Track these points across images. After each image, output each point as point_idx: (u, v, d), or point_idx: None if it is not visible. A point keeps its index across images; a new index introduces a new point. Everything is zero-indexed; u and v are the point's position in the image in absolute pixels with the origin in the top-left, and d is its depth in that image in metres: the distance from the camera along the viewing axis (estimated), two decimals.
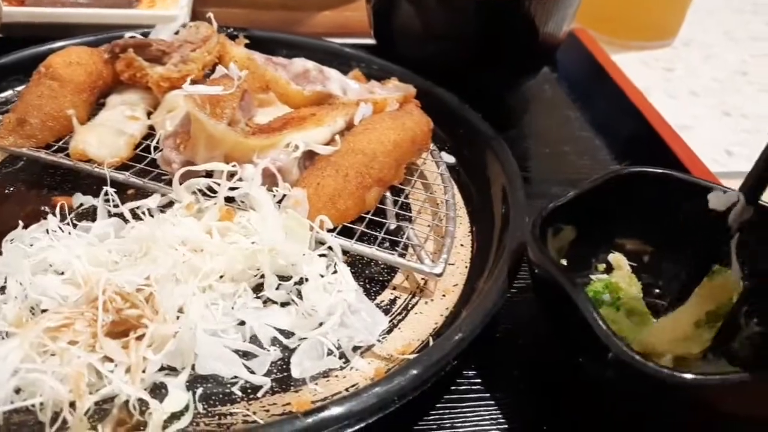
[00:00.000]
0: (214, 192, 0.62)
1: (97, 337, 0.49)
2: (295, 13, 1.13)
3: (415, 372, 0.48)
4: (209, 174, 0.63)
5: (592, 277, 0.62)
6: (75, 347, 0.47)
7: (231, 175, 0.61)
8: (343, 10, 1.16)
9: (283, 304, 0.58)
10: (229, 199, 0.62)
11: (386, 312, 0.59)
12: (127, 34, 0.77)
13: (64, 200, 0.66)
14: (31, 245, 0.57)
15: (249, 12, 1.12)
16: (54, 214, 0.62)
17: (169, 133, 0.65)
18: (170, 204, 0.63)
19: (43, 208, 0.66)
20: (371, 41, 1.10)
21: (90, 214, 0.64)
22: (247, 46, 0.81)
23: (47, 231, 0.58)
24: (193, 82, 0.70)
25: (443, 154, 0.77)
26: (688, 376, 0.44)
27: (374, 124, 0.68)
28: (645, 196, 0.62)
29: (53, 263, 0.55)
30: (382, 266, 0.64)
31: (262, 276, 0.58)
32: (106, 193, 0.62)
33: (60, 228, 0.58)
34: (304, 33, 1.13)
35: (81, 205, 0.66)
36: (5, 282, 0.55)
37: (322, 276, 0.57)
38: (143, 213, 0.61)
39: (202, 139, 0.62)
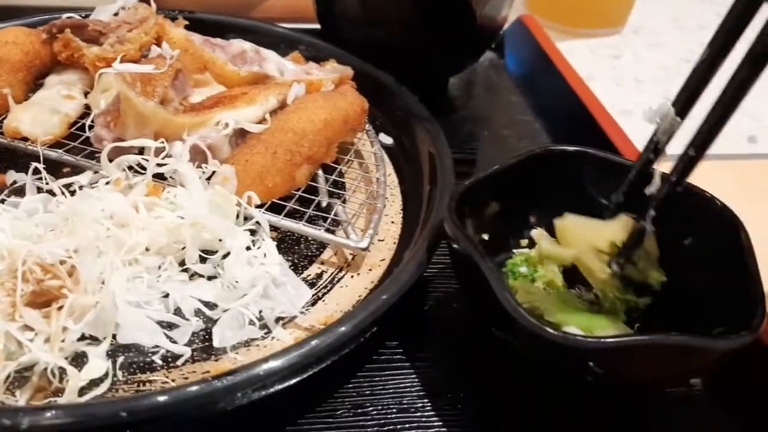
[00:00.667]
0: (145, 169, 0.63)
1: (17, 307, 0.50)
2: None
3: (331, 337, 0.49)
4: (141, 152, 0.64)
5: (515, 251, 0.64)
6: None
7: (160, 152, 0.62)
8: None
9: (210, 278, 0.59)
10: (160, 177, 0.63)
11: (312, 285, 0.61)
12: (65, 15, 0.78)
13: None
14: None
15: None
16: None
17: (101, 111, 0.66)
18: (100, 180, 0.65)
19: None
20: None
21: (23, 192, 0.65)
22: (192, 29, 0.81)
23: None
24: (128, 61, 0.71)
25: (381, 135, 0.78)
26: (586, 339, 0.47)
27: (305, 104, 0.69)
28: (566, 174, 0.64)
29: None
30: (311, 242, 0.65)
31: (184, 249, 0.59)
32: (36, 170, 0.63)
33: None
34: (255, 18, 1.13)
35: (14, 182, 0.66)
36: None
37: (248, 249, 0.59)
38: (75, 190, 0.62)
39: (131, 117, 0.63)
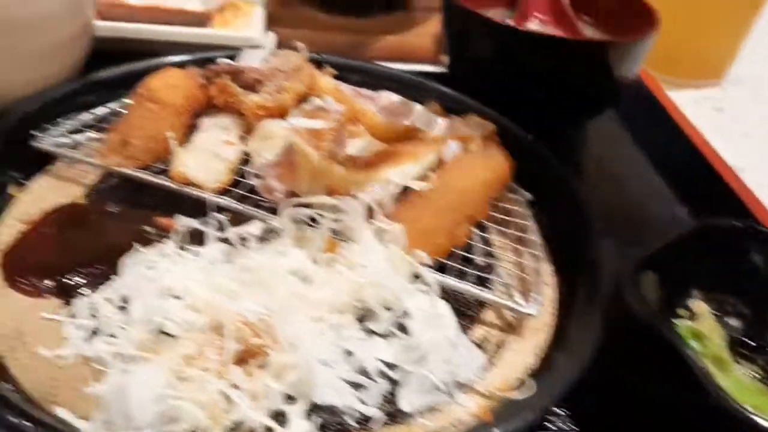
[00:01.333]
0: (313, 222, 0.65)
1: (226, 365, 0.51)
2: (358, 36, 1.16)
3: (529, 414, 0.50)
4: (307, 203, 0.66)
5: (676, 322, 0.65)
6: (208, 374, 0.50)
7: (335, 208, 0.64)
8: (405, 35, 1.19)
9: (383, 336, 0.60)
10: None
11: (479, 347, 0.62)
12: (223, 61, 0.80)
13: (166, 221, 0.69)
14: (149, 267, 0.60)
15: (314, 33, 1.14)
16: (160, 236, 0.66)
17: (271, 162, 0.68)
18: (269, 231, 0.67)
19: (145, 227, 0.68)
20: (434, 68, 1.13)
21: (192, 236, 0.67)
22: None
23: (163, 254, 0.61)
24: (285, 111, 0.74)
25: (520, 190, 0.79)
26: None
27: (464, 162, 0.71)
28: (726, 247, 0.65)
29: (172, 288, 0.57)
30: (470, 301, 0.66)
31: (363, 307, 0.61)
32: (214, 218, 0.65)
33: (176, 252, 0.61)
34: (366, 56, 1.15)
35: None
36: (123, 301, 0.58)
37: (423, 310, 0.60)
38: (245, 239, 0.64)
39: (306, 172, 0.65)
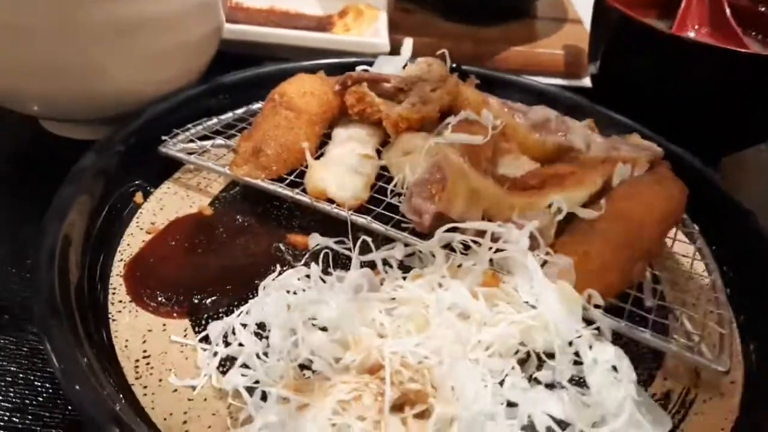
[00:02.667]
0: (466, 249, 0.57)
1: (384, 413, 0.44)
2: (486, 47, 1.09)
3: None
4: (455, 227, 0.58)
5: None
6: (366, 424, 0.43)
7: (495, 236, 0.56)
8: (534, 47, 1.11)
9: (549, 386, 0.52)
10: None
11: (661, 407, 0.53)
12: (360, 68, 0.74)
13: (300, 239, 0.63)
14: (288, 291, 0.53)
15: (440, 42, 1.08)
16: (294, 255, 0.61)
17: (418, 180, 0.61)
18: (411, 254, 0.60)
19: (277, 244, 0.63)
20: (566, 82, 1.05)
21: (326, 256, 0.60)
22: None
23: (305, 278, 0.54)
24: (427, 123, 0.67)
25: (688, 220, 0.69)
26: None
27: (637, 189, 0.62)
28: None
29: (317, 318, 0.51)
30: (643, 349, 0.57)
31: (526, 352, 0.53)
32: (355, 239, 0.58)
33: (319, 277, 0.54)
34: (494, 68, 1.08)
35: (317, 245, 0.62)
36: (261, 329, 0.52)
37: (600, 361, 0.51)
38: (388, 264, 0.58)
39: (462, 193, 0.58)
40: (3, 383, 0.51)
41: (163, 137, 0.69)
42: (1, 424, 0.48)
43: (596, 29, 0.87)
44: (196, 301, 0.56)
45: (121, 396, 0.47)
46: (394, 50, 0.91)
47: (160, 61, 0.70)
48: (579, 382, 0.51)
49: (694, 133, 0.78)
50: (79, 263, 0.54)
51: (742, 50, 0.75)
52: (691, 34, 0.88)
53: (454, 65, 0.79)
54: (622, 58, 0.83)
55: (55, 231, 0.54)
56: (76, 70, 0.66)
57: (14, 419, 0.49)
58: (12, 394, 0.50)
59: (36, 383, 0.51)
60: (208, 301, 0.56)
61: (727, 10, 0.87)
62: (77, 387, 0.43)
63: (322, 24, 1.04)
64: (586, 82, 1.09)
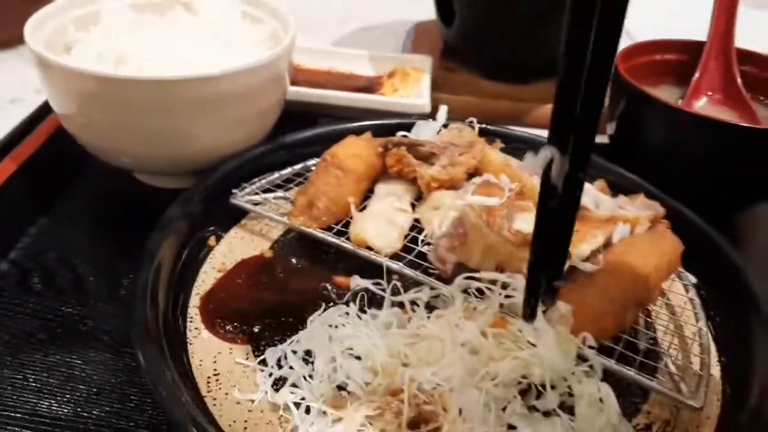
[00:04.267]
0: (480, 293, 0.68)
1: (402, 428, 0.55)
2: (522, 105, 1.19)
3: None
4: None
5: None
6: None
7: (505, 284, 0.67)
8: None
9: (546, 414, 0.62)
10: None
11: None
12: (400, 133, 0.86)
13: (344, 280, 0.75)
14: (331, 326, 0.65)
15: (478, 101, 1.19)
16: (338, 293, 0.73)
17: (444, 233, 0.72)
18: (436, 296, 0.71)
19: (324, 284, 0.75)
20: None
21: (363, 296, 0.72)
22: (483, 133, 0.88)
23: (346, 315, 0.66)
24: (456, 183, 0.78)
25: (684, 272, 0.78)
26: None
27: (634, 246, 0.72)
28: None
29: (354, 348, 0.62)
30: (633, 386, 0.66)
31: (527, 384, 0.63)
32: (389, 281, 0.70)
33: (357, 314, 0.66)
34: (528, 123, 1.19)
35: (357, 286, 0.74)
36: (307, 355, 0.64)
37: (588, 394, 0.61)
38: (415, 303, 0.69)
39: (479, 246, 0.69)
40: (105, 391, 0.64)
41: (233, 190, 0.82)
42: (104, 423, 0.61)
43: (614, 94, 0.97)
44: (256, 330, 0.69)
45: (196, 404, 0.59)
46: (436, 108, 1.03)
47: (235, 127, 0.83)
48: (571, 411, 0.61)
49: (702, 192, 0.87)
50: (165, 297, 0.67)
51: (740, 124, 0.85)
52: (704, 100, 0.97)
53: (483, 126, 0.90)
54: (635, 125, 0.92)
55: (147, 270, 0.67)
56: (166, 136, 0.80)
57: (112, 420, 0.62)
58: (112, 401, 0.63)
59: (128, 392, 0.64)
60: (266, 330, 0.69)
61: (738, 80, 0.96)
62: (164, 393, 0.56)
63: (373, 84, 1.17)
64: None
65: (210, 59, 0.85)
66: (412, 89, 1.13)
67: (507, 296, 0.66)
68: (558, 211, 0.55)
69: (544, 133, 1.00)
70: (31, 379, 0.64)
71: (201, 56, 0.86)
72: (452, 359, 0.60)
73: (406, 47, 1.45)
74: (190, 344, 0.66)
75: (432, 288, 0.71)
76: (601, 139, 1.12)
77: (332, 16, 1.59)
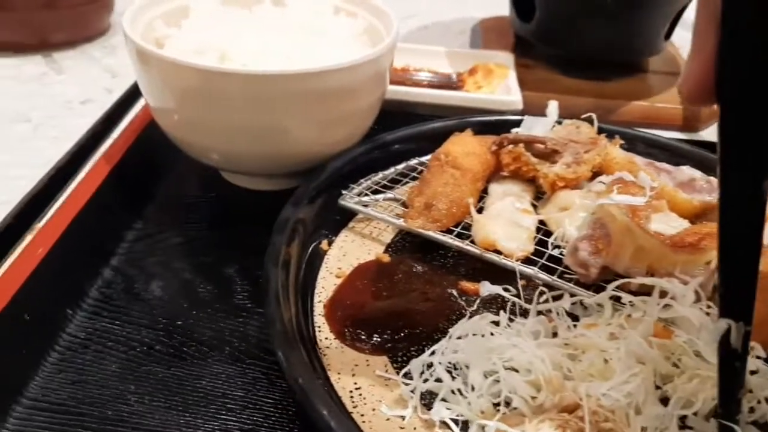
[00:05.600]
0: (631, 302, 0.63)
1: None
2: (607, 101, 1.15)
3: None
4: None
5: None
6: None
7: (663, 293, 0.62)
8: (651, 101, 1.16)
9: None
10: None
11: None
12: (514, 130, 0.82)
13: (473, 287, 0.70)
14: (482, 336, 0.61)
15: (563, 97, 1.14)
16: (467, 301, 0.68)
17: (584, 236, 0.68)
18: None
19: (450, 290, 0.70)
20: (687, 135, 1.09)
21: (494, 303, 0.68)
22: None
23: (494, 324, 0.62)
24: (579, 183, 0.74)
25: None
26: None
27: None
28: None
29: (512, 360, 0.58)
30: None
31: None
32: (523, 288, 0.65)
33: (507, 324, 0.61)
34: (614, 121, 1.14)
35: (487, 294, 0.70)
36: (454, 368, 0.59)
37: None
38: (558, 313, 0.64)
39: (629, 249, 0.64)
40: (238, 407, 0.59)
41: (343, 192, 0.78)
42: None
43: None
44: (391, 340, 0.64)
45: (345, 417, 0.54)
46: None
47: (336, 125, 0.79)
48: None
49: None
50: (294, 304, 0.63)
51: None
52: None
53: (603, 126, 0.86)
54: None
55: (275, 275, 0.63)
56: (265, 132, 0.75)
57: None
58: (244, 416, 0.59)
59: (264, 408, 0.60)
60: (400, 340, 0.64)
61: None
62: (324, 410, 0.51)
63: (454, 81, 1.13)
64: (703, 134, 1.14)
65: (308, 55, 0.81)
66: (497, 86, 1.09)
67: (665, 305, 0.61)
68: (741, 366, 0.50)
69: (652, 131, 0.97)
70: (160, 396, 0.60)
71: (299, 51, 0.81)
72: (625, 373, 0.55)
73: (474, 44, 1.41)
74: (324, 356, 0.62)
75: (572, 294, 0.66)
76: (698, 135, 1.08)
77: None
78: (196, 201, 0.86)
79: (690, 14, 1.16)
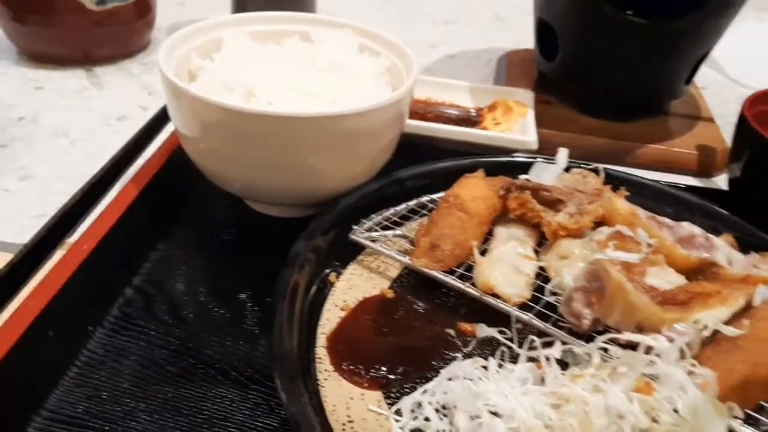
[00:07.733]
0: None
1: None
2: (622, 143, 1.17)
3: None
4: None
5: None
6: None
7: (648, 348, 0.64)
8: (668, 144, 1.18)
9: None
10: None
11: None
12: (522, 176, 0.85)
13: (470, 328, 0.73)
14: (470, 379, 0.64)
15: (577, 137, 1.17)
16: (463, 341, 0.72)
17: (579, 287, 0.70)
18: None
19: (447, 330, 0.74)
20: (700, 182, 1.11)
21: (489, 345, 0.71)
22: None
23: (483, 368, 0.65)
24: (581, 232, 0.77)
25: None
26: None
27: None
28: None
29: (497, 407, 0.61)
30: None
31: None
32: (519, 332, 0.68)
33: (496, 369, 0.65)
34: (628, 163, 1.16)
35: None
36: (443, 408, 0.63)
37: None
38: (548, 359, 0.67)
39: (619, 305, 0.67)
40: (236, 431, 0.64)
41: (354, 226, 0.82)
42: None
43: (738, 142, 0.94)
44: (387, 375, 0.68)
45: None
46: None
47: (356, 161, 0.83)
48: None
49: None
50: (298, 335, 0.67)
51: None
52: None
53: (612, 170, 0.88)
54: (760, 174, 0.90)
55: (281, 307, 0.67)
56: (284, 168, 0.79)
57: None
58: None
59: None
60: (397, 377, 0.68)
61: None
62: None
63: (473, 116, 1.16)
64: (717, 181, 1.15)
65: (333, 92, 0.85)
66: (515, 124, 1.12)
67: (650, 362, 0.64)
68: None
69: (665, 176, 0.99)
70: (168, 416, 0.64)
71: (325, 89, 0.86)
72: (601, 426, 0.58)
73: (498, 77, 1.44)
74: (322, 387, 0.66)
75: (563, 343, 0.69)
76: (711, 181, 1.10)
77: (421, 42, 1.58)
78: (218, 225, 0.91)
79: (715, 53, 1.18)
